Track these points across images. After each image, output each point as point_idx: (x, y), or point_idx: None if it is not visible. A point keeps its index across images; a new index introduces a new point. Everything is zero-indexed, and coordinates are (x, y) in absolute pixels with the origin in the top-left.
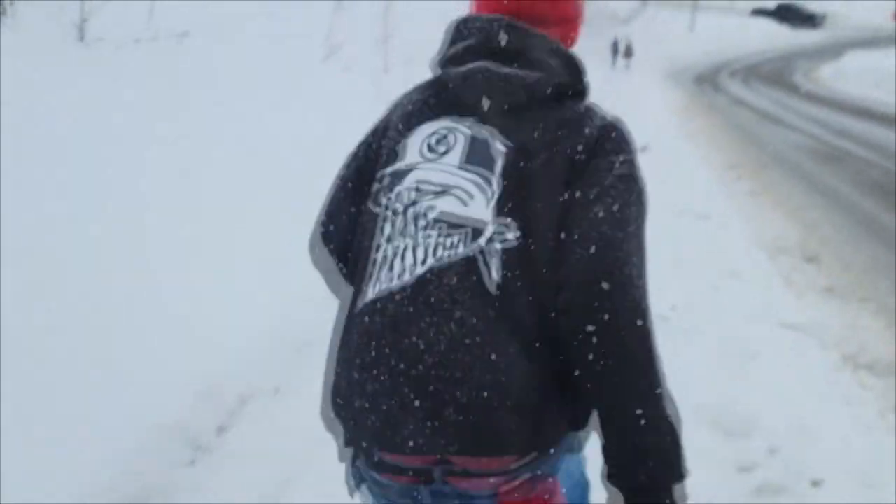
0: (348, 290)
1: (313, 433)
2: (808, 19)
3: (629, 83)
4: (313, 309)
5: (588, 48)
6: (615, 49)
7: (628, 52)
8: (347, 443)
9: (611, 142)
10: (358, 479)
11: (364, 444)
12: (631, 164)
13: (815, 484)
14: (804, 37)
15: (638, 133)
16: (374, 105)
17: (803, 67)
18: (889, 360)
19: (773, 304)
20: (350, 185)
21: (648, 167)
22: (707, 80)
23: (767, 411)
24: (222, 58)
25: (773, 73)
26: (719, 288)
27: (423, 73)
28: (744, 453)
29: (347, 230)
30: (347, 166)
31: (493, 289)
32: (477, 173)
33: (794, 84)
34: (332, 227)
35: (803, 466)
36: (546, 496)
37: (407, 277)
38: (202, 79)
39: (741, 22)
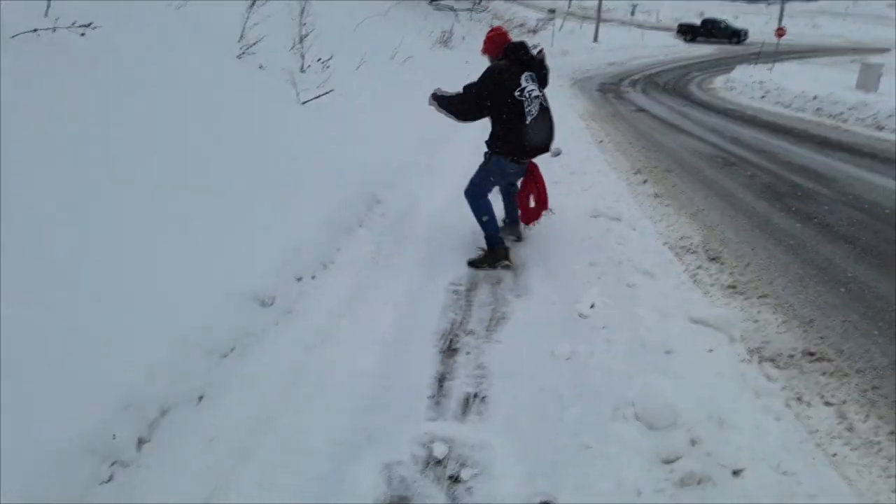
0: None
1: (238, 444)
2: (733, 34)
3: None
4: (237, 313)
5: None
6: None
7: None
8: (510, 153)
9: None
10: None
11: (525, 155)
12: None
13: (737, 473)
14: (697, 50)
15: (555, 142)
16: (290, 105)
17: (698, 79)
18: (789, 353)
19: (684, 302)
20: (494, 95)
21: (564, 172)
22: (610, 89)
23: (686, 404)
24: (129, 52)
25: (671, 83)
26: (634, 286)
27: (340, 71)
28: (667, 445)
29: (499, 106)
30: (489, 90)
31: (547, 107)
32: (535, 83)
33: (690, 93)
34: (482, 109)
35: (724, 456)
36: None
37: (536, 111)
38: (107, 74)
39: (641, 34)
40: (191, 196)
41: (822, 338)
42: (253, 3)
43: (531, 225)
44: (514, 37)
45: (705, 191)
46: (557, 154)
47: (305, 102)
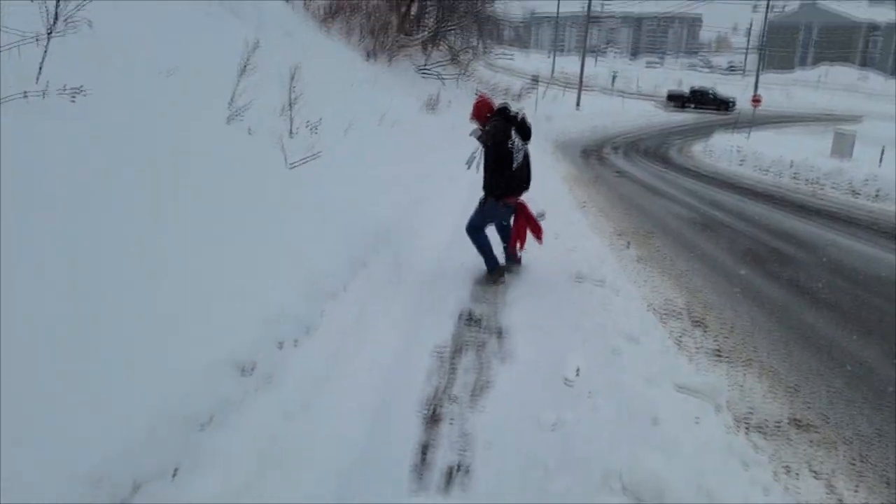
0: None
1: None
2: (721, 103)
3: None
4: (216, 382)
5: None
6: None
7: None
8: (501, 194)
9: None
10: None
11: (512, 194)
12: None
13: None
14: (676, 117)
15: (536, 203)
16: (278, 169)
17: (678, 144)
18: (776, 421)
19: (669, 368)
20: (504, 146)
21: (548, 235)
22: (593, 153)
23: (675, 476)
24: (117, 117)
25: (651, 149)
26: (619, 352)
27: (328, 135)
28: None
29: (496, 156)
30: (503, 143)
31: (528, 154)
32: (519, 137)
33: (670, 158)
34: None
35: None
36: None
37: (520, 159)
38: (93, 138)
39: (622, 101)
40: (171, 260)
41: (808, 405)
42: (244, 70)
43: (534, 244)
44: (501, 100)
45: (687, 254)
46: (542, 217)
47: (293, 166)
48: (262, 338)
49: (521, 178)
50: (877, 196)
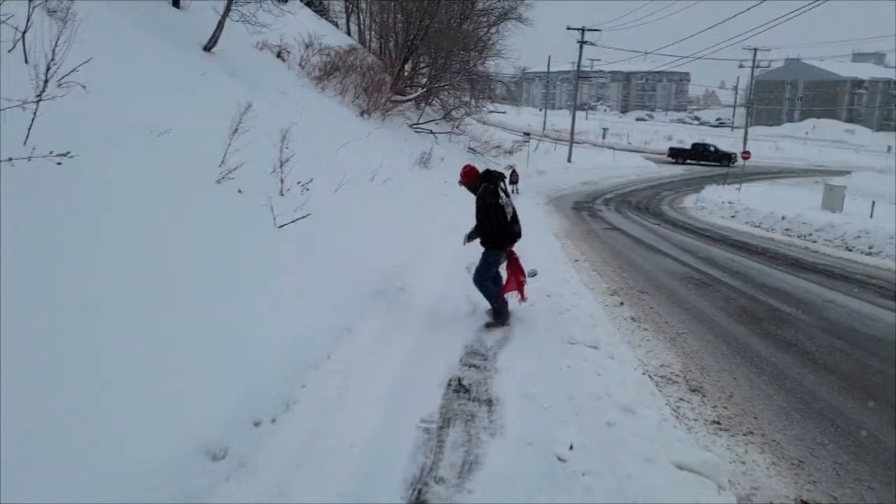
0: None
1: None
2: (723, 157)
3: (518, 209)
4: (184, 471)
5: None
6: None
7: (514, 179)
8: (501, 245)
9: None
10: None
11: (509, 242)
12: None
13: None
14: (668, 171)
15: (528, 259)
16: (266, 229)
17: (668, 198)
18: (782, 499)
19: (668, 443)
20: (497, 205)
21: (540, 294)
22: (584, 207)
23: None
24: (106, 179)
25: (643, 202)
26: (614, 425)
27: (319, 193)
28: None
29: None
30: (490, 206)
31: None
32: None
33: (662, 212)
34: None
35: None
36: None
37: (511, 212)
38: (78, 201)
39: (612, 155)
40: (137, 331)
41: (813, 482)
42: (235, 131)
43: (522, 297)
44: (492, 157)
45: (683, 314)
46: (533, 275)
47: (282, 226)
48: (237, 417)
49: (514, 228)
50: (870, 251)
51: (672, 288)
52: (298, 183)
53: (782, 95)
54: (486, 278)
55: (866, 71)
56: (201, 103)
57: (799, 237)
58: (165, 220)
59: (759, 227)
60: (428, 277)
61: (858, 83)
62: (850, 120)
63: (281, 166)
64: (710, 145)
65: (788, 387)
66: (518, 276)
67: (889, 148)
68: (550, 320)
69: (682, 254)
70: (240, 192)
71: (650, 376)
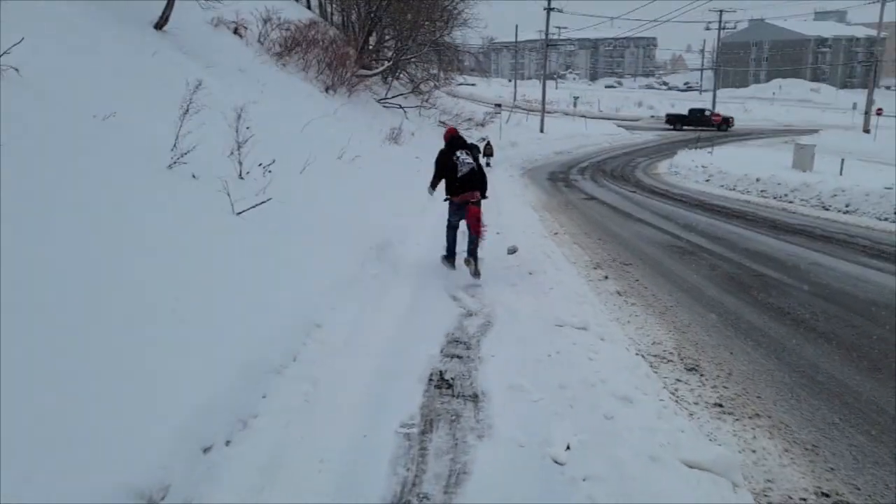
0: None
1: None
2: (724, 121)
3: (493, 181)
4: None
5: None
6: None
7: (489, 151)
8: (454, 195)
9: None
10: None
11: (458, 194)
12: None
13: None
14: (639, 137)
15: (507, 234)
16: (223, 217)
17: (643, 164)
18: (800, 497)
19: (672, 435)
20: (442, 165)
21: (521, 271)
22: (560, 178)
23: None
24: (40, 170)
25: (617, 170)
26: (612, 417)
27: (283, 175)
28: None
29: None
30: (439, 162)
31: (475, 168)
32: (468, 156)
33: (637, 179)
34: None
35: None
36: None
37: (466, 170)
38: (9, 201)
39: (584, 124)
40: (71, 339)
41: (832, 470)
42: (186, 111)
43: (482, 237)
44: (464, 129)
45: (670, 286)
46: (514, 252)
47: (241, 213)
48: (181, 445)
49: (467, 183)
50: (847, 209)
51: (655, 258)
52: (260, 165)
53: (748, 57)
54: (448, 225)
55: (829, 29)
56: (151, 84)
57: (775, 198)
58: (107, 214)
59: (734, 189)
60: (405, 259)
61: (822, 41)
62: (814, 79)
63: (238, 148)
64: (706, 110)
65: (788, 360)
66: (475, 228)
67: (854, 105)
68: (535, 300)
69: (661, 221)
70: (194, 177)
71: (643, 356)
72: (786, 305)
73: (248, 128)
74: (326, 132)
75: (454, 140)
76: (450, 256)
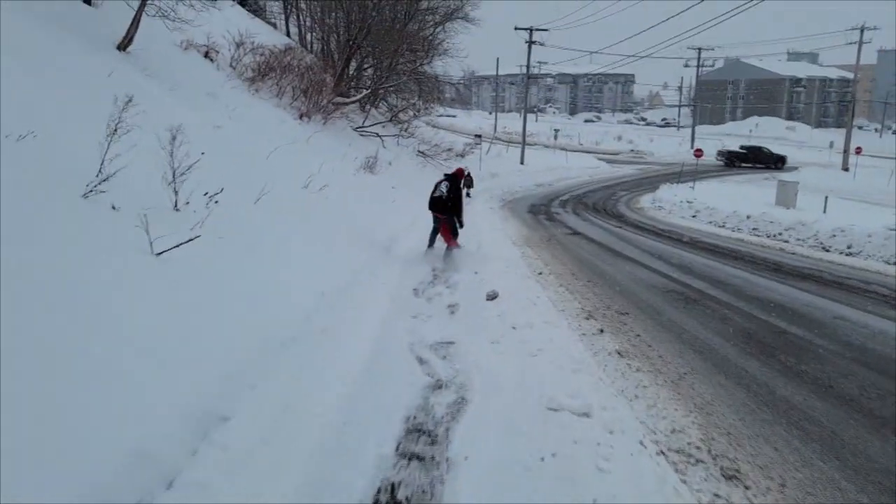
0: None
1: None
2: (778, 160)
3: (473, 213)
4: None
5: (435, 177)
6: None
7: (469, 183)
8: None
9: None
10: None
11: (432, 209)
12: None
13: None
14: (619, 171)
15: (487, 274)
16: (140, 258)
17: (625, 198)
18: None
19: None
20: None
21: (504, 325)
22: (541, 211)
23: None
24: None
25: (600, 203)
26: None
27: (234, 205)
28: None
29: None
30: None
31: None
32: (445, 185)
33: (621, 213)
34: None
35: None
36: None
37: (437, 194)
38: None
39: (565, 156)
40: None
41: None
42: (114, 132)
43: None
44: (443, 160)
45: (678, 344)
46: (493, 297)
47: (162, 253)
48: None
49: (432, 204)
50: (850, 251)
51: (654, 306)
52: (205, 194)
53: (725, 94)
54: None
55: (802, 70)
56: (94, 106)
57: (769, 237)
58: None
59: (723, 226)
60: (364, 311)
61: (797, 81)
62: (790, 117)
63: (174, 175)
64: (763, 148)
65: (854, 463)
66: (446, 236)
67: (831, 143)
68: (520, 365)
69: (653, 260)
70: (114, 208)
71: (664, 454)
72: (824, 375)
73: (204, 153)
74: (295, 160)
75: (448, 176)
76: (429, 245)
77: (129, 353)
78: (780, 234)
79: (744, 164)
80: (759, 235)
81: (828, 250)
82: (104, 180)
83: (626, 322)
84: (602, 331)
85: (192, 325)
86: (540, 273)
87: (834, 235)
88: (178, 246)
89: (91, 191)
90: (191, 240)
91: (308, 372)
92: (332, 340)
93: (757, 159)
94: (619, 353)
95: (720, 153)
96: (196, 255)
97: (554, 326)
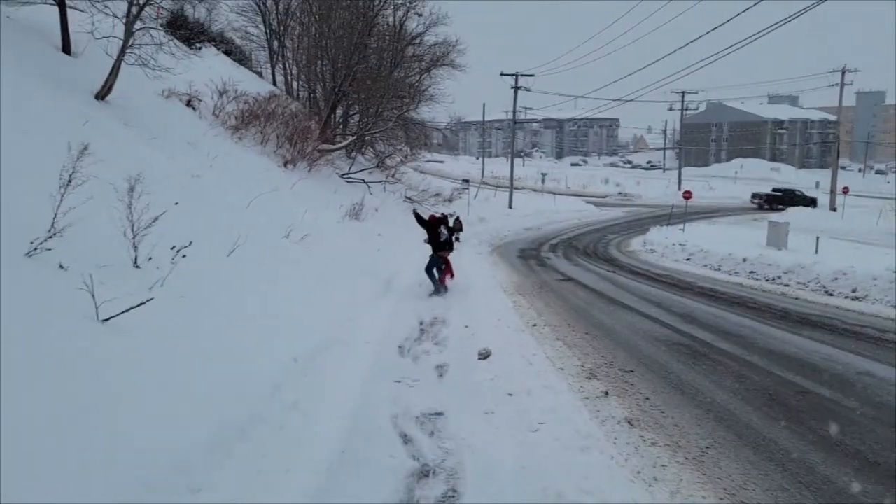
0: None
1: None
2: (811, 202)
3: (462, 259)
4: None
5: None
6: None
7: (458, 227)
8: (434, 251)
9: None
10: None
11: (439, 251)
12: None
13: None
14: (609, 213)
15: (477, 327)
16: (84, 325)
17: (615, 241)
18: None
19: None
20: (430, 232)
21: (500, 393)
22: (531, 255)
23: None
24: None
25: (590, 247)
26: None
27: (204, 262)
28: None
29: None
30: (427, 229)
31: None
32: (446, 229)
33: (613, 257)
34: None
35: None
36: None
37: (442, 238)
38: None
39: (553, 200)
40: None
41: None
42: (68, 182)
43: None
44: (430, 205)
45: (694, 409)
46: (486, 356)
47: (108, 319)
48: None
49: (443, 245)
50: (855, 295)
51: (660, 361)
52: (173, 248)
53: (708, 137)
54: (429, 269)
55: (783, 112)
56: (65, 157)
57: (767, 280)
58: None
59: (719, 270)
60: (341, 376)
61: (779, 123)
62: (773, 158)
63: (133, 228)
64: (797, 191)
65: None
66: (447, 273)
67: (817, 184)
68: (520, 445)
69: (652, 308)
70: (62, 267)
71: None
72: (865, 447)
73: (178, 203)
74: (278, 208)
75: (438, 221)
76: (436, 287)
77: (20, 460)
78: (778, 277)
79: (779, 206)
80: (757, 279)
81: (831, 294)
82: (51, 236)
83: (632, 382)
84: (607, 393)
85: (126, 412)
86: (534, 325)
87: (836, 279)
88: (127, 310)
89: (36, 248)
90: (143, 303)
91: (271, 463)
92: (302, 417)
93: (792, 201)
94: (629, 423)
95: (756, 196)
96: (151, 319)
97: (554, 391)
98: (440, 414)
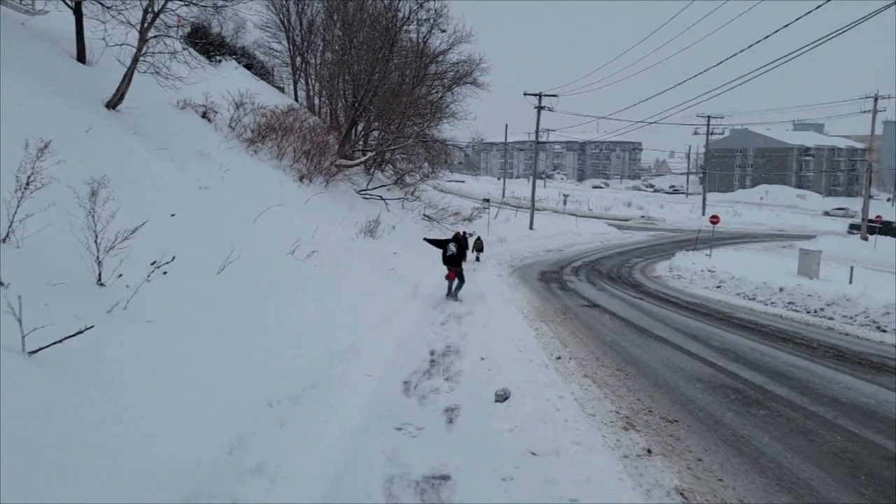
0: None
1: None
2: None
3: (480, 280)
4: None
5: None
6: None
7: (479, 247)
8: (446, 264)
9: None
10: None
11: (447, 265)
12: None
13: None
14: (631, 237)
15: (495, 360)
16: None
17: (639, 265)
18: None
19: None
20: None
21: (520, 450)
22: (553, 278)
23: None
24: None
25: (614, 271)
26: None
27: (190, 279)
28: None
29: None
30: (439, 245)
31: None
32: (455, 245)
33: (639, 282)
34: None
35: None
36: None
37: (451, 252)
38: None
39: (575, 222)
40: None
41: None
42: (26, 185)
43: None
44: (450, 223)
45: (758, 476)
46: (503, 398)
47: (36, 352)
48: None
49: (451, 260)
50: None
51: (708, 409)
52: (152, 264)
53: (733, 162)
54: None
55: (810, 139)
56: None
57: (808, 312)
58: None
59: (754, 299)
60: (329, 425)
61: (805, 150)
62: (799, 185)
63: (96, 239)
64: (893, 223)
65: None
66: (451, 277)
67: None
68: None
69: (688, 342)
70: (2, 284)
71: None
72: None
73: (174, 214)
74: (288, 223)
75: (457, 237)
76: (449, 292)
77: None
78: (821, 309)
79: (889, 235)
80: (796, 310)
81: (884, 331)
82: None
83: (678, 436)
84: (650, 451)
85: (66, 464)
86: (559, 357)
87: (888, 313)
88: (60, 341)
89: None
90: (80, 332)
91: None
92: (266, 486)
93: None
94: (682, 495)
95: (853, 227)
96: (97, 351)
97: (587, 449)
98: (446, 478)
